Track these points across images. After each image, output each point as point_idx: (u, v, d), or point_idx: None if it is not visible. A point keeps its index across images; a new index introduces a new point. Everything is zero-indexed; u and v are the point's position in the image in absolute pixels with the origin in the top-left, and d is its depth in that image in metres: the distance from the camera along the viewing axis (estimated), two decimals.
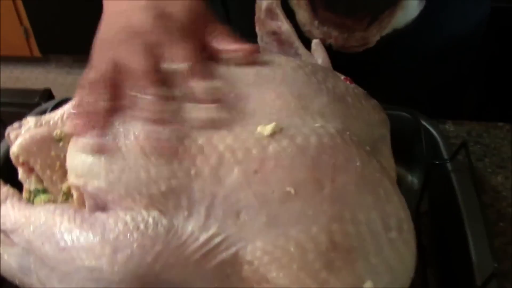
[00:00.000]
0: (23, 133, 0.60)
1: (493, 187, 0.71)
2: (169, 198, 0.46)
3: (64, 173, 0.60)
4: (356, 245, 0.46)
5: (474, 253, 0.55)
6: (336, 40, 0.64)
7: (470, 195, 0.60)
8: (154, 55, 0.49)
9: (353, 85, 0.57)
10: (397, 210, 0.49)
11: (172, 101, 0.47)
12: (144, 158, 0.46)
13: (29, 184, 0.61)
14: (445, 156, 0.65)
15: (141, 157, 0.46)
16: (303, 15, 0.64)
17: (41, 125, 0.63)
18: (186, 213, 0.46)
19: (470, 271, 0.55)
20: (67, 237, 0.47)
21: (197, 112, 0.47)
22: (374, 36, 0.63)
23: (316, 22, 0.63)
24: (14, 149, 0.59)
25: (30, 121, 0.63)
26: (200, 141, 0.46)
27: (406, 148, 0.66)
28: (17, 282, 0.53)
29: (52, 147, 0.60)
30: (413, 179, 0.72)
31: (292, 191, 0.45)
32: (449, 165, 0.63)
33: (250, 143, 0.46)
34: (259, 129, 0.46)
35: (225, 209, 0.45)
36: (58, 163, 0.60)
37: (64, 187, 0.59)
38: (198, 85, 0.48)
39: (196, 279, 0.46)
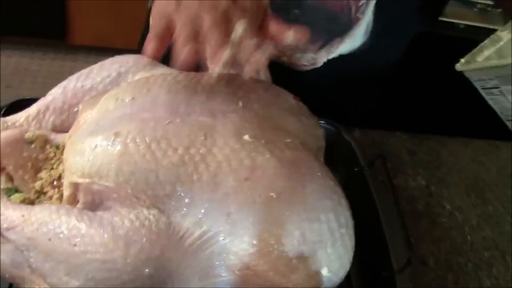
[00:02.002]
0: None
1: (397, 190, 0.91)
2: (171, 199, 0.58)
3: (35, 172, 0.69)
4: (319, 239, 0.61)
5: (390, 243, 0.74)
6: (289, 59, 0.79)
7: (384, 196, 0.79)
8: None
9: (301, 104, 0.74)
10: (345, 211, 0.66)
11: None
12: (155, 163, 0.58)
13: None
14: (361, 162, 0.84)
15: (152, 161, 0.58)
16: None
17: (7, 127, 0.71)
18: (184, 211, 0.58)
19: (387, 259, 0.73)
20: (77, 233, 0.57)
21: None
22: (323, 58, 0.79)
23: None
24: None
25: None
26: (202, 150, 0.59)
27: (327, 154, 0.84)
28: (7, 276, 0.62)
29: (25, 148, 0.69)
30: None
31: (274, 196, 0.60)
32: (366, 171, 0.82)
33: (242, 154, 0.60)
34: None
35: (219, 210, 0.58)
36: (30, 163, 0.69)
37: (36, 185, 0.68)
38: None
39: (190, 267, 0.59)
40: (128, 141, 0.59)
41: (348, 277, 0.72)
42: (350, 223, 0.66)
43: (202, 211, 0.59)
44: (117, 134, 0.60)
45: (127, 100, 0.64)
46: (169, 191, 0.58)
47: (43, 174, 0.68)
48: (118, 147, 0.59)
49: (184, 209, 0.59)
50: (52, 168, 0.69)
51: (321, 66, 0.83)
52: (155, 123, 0.60)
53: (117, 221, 0.58)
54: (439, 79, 0.99)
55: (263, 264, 0.59)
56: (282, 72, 0.85)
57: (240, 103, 0.64)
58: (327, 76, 0.87)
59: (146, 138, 0.59)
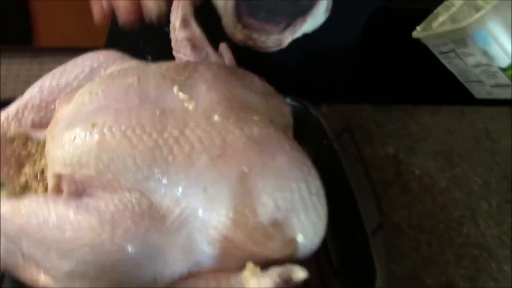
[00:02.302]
0: None
1: (366, 159, 0.97)
2: (150, 181, 0.63)
3: (19, 168, 0.74)
4: (292, 207, 0.67)
5: (362, 209, 0.79)
6: (255, 42, 0.84)
7: (354, 167, 0.85)
8: None
9: (266, 84, 0.79)
10: (315, 181, 0.71)
11: None
12: (131, 148, 0.63)
13: None
14: (330, 135, 0.90)
15: (129, 147, 0.63)
16: (228, 20, 0.83)
17: None
18: (163, 191, 0.63)
19: (361, 224, 0.79)
20: (66, 220, 0.61)
21: None
22: (287, 38, 0.84)
23: (239, 26, 0.83)
24: None
25: None
26: (175, 133, 0.64)
27: (295, 131, 0.89)
28: (0, 264, 0.68)
29: (7, 147, 0.74)
30: None
31: (246, 170, 0.66)
32: (334, 144, 0.88)
33: (213, 134, 0.65)
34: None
35: (196, 187, 0.64)
36: (13, 160, 0.74)
37: (21, 180, 0.73)
38: None
39: (174, 244, 0.64)
40: (105, 130, 0.64)
41: (324, 242, 0.79)
42: (321, 192, 0.71)
43: (180, 189, 0.64)
44: (94, 125, 0.65)
45: (100, 93, 0.69)
46: (147, 174, 0.63)
47: (27, 169, 0.73)
48: (96, 137, 0.64)
49: (163, 189, 0.64)
50: (35, 164, 0.74)
51: (286, 47, 0.88)
52: (129, 112, 0.66)
53: (102, 206, 0.63)
54: (400, 50, 1.06)
55: (241, 235, 0.65)
56: (248, 55, 0.91)
57: (205, 87, 0.70)
58: (292, 56, 0.93)
59: (122, 126, 0.64)
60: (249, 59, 0.83)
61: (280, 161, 0.67)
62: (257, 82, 0.77)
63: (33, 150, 0.74)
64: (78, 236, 0.62)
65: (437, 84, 1.06)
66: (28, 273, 0.66)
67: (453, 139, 1.05)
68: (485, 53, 0.81)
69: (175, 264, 0.65)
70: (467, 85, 0.91)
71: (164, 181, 0.64)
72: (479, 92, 0.92)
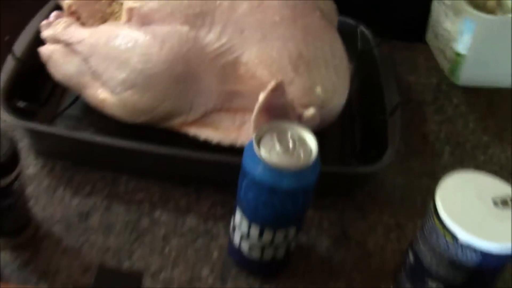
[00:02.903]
0: None
1: (408, 84, 1.10)
2: (198, 18, 0.79)
3: (102, 22, 0.93)
4: (314, 60, 0.81)
5: (385, 92, 0.92)
6: None
7: (386, 64, 0.98)
8: None
9: None
10: (342, 52, 0.85)
11: None
12: None
13: None
14: (372, 43, 1.02)
15: None
16: None
17: None
18: (207, 28, 0.80)
19: (383, 107, 0.91)
20: (126, 36, 0.80)
21: None
22: None
23: None
24: (68, 0, 0.92)
25: None
26: None
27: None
28: (72, 83, 0.86)
29: (96, 3, 0.93)
30: None
31: (278, 19, 0.80)
32: (374, 49, 1.01)
33: None
34: None
35: (234, 28, 0.79)
36: (99, 15, 0.93)
37: None
38: None
39: (209, 72, 0.80)
40: None
41: (352, 119, 0.92)
42: (345, 60, 0.85)
43: (221, 28, 0.80)
44: None
45: None
46: (197, 12, 0.80)
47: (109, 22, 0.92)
48: None
49: (208, 26, 0.80)
50: (115, 19, 0.92)
51: None
52: None
53: (157, 29, 0.80)
54: None
55: (266, 74, 0.79)
56: None
57: None
58: None
59: None
60: None
61: (309, 21, 0.82)
62: None
63: (116, 9, 0.92)
64: (133, 49, 0.79)
65: None
66: (92, 90, 0.84)
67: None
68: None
69: (209, 93, 0.81)
70: None
71: (209, 19, 0.80)
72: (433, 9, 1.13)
